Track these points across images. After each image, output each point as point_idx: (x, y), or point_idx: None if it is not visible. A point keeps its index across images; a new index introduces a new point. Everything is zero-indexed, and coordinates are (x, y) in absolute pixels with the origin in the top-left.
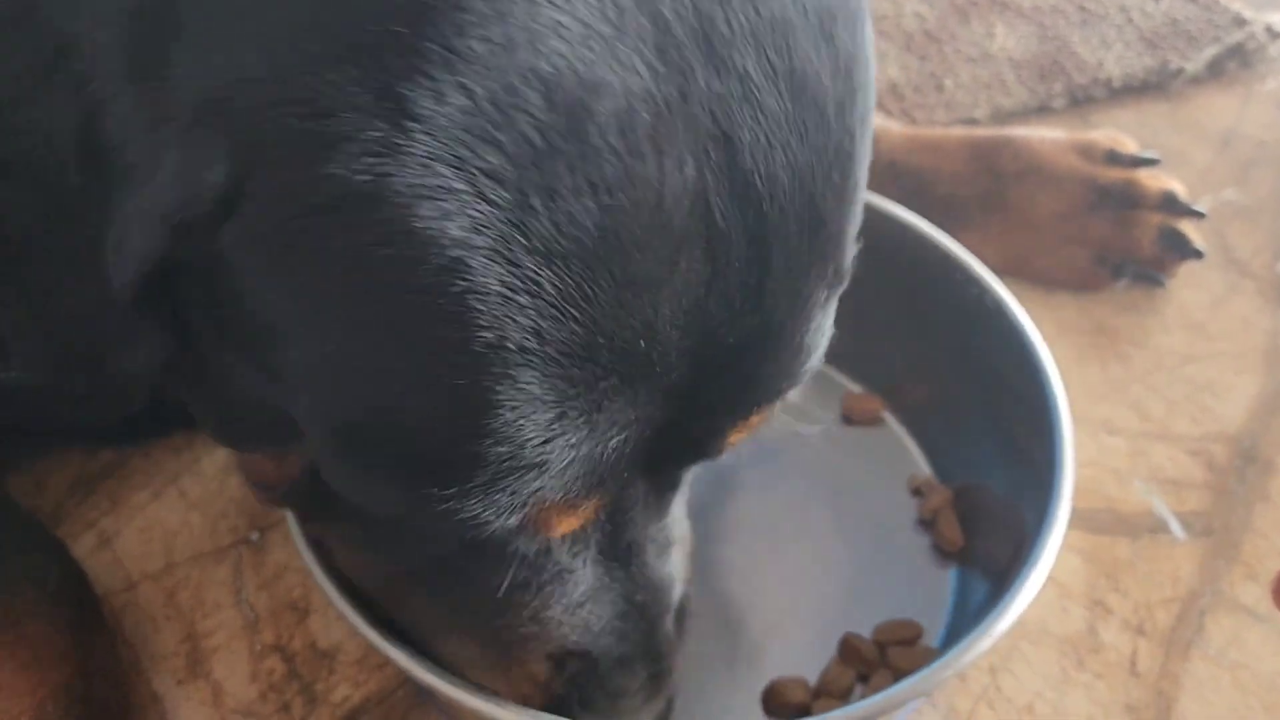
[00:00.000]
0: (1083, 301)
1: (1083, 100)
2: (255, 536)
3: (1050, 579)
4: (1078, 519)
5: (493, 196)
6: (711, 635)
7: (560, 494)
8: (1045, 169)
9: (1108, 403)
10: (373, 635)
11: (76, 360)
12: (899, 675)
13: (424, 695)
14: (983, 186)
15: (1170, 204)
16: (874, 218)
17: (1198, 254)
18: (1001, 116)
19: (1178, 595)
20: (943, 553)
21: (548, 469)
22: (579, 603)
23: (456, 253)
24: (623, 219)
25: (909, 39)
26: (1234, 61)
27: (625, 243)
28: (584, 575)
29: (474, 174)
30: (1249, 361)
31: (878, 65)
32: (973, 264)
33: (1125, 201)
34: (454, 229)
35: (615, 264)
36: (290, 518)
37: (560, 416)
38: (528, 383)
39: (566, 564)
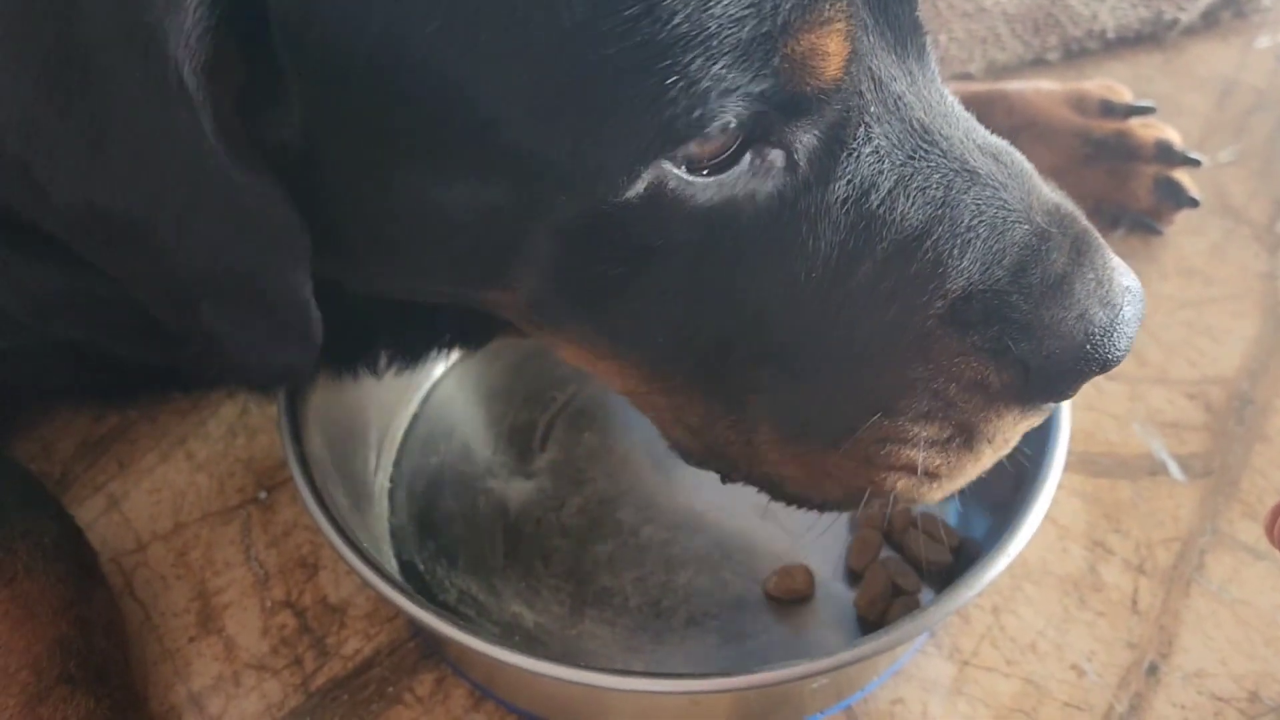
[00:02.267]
0: None
1: (1077, 53)
2: (263, 495)
3: (1051, 521)
4: (1078, 462)
5: None
6: (713, 546)
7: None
8: (1040, 123)
9: None
10: (383, 586)
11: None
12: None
13: (433, 647)
14: None
15: (1165, 154)
16: None
17: (1194, 202)
18: (996, 70)
19: (1178, 535)
20: None
21: None
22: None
23: None
24: None
25: None
26: (1228, 11)
27: None
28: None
29: None
30: (1245, 305)
31: None
32: None
33: (1120, 153)
34: None
35: None
36: (298, 476)
37: None
38: None
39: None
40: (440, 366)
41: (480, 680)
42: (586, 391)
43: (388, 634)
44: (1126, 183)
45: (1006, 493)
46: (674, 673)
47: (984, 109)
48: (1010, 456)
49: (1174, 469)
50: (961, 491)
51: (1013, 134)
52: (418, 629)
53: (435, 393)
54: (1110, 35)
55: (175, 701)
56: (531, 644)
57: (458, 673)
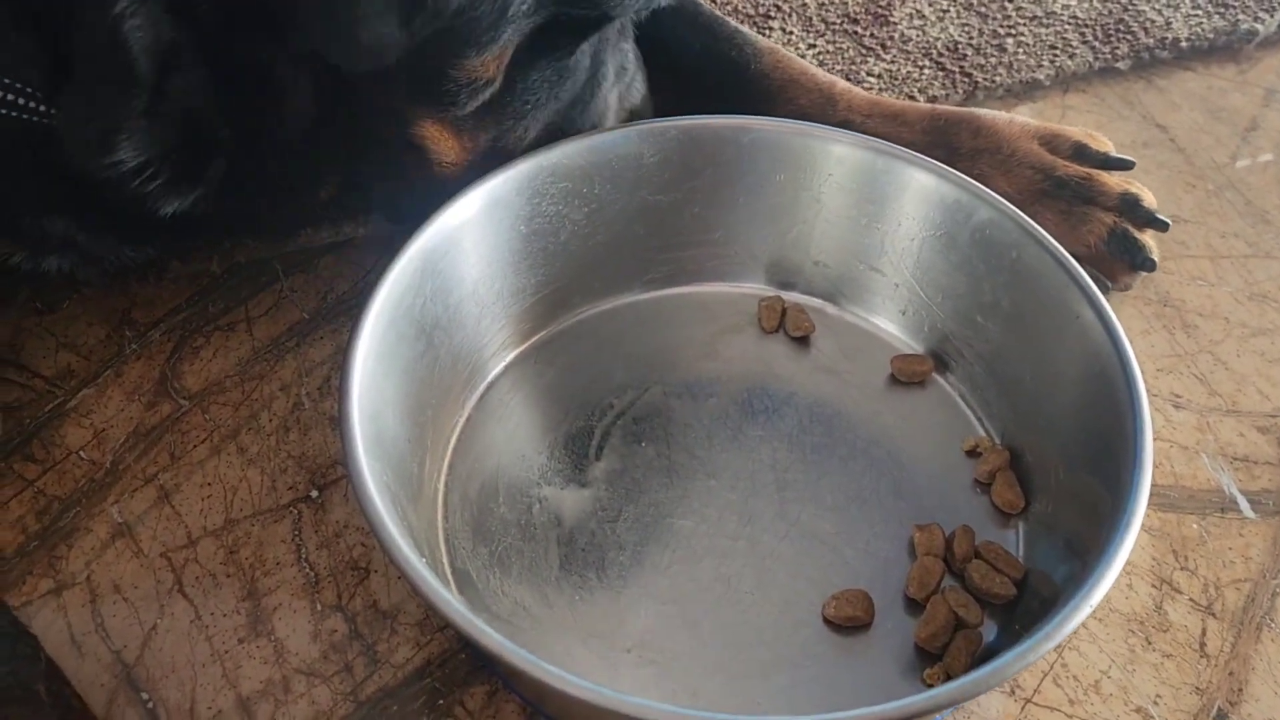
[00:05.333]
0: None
1: (1148, 62)
2: (315, 494)
3: None
4: None
5: None
6: (770, 567)
7: None
8: (1003, 150)
9: (1174, 375)
10: (434, 596)
11: None
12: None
13: (484, 659)
14: (936, 160)
15: (1130, 208)
16: (919, 178)
17: (1150, 264)
18: (1065, 77)
19: (1248, 575)
20: (1003, 514)
21: None
22: None
23: None
24: None
25: None
26: None
27: None
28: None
29: None
30: None
31: (938, 24)
32: (1029, 225)
33: (1079, 196)
34: None
35: None
36: (355, 475)
37: None
38: None
39: None
40: (496, 366)
41: (531, 698)
42: (645, 399)
43: (439, 644)
44: (1077, 227)
45: (1073, 522)
46: (736, 716)
47: (949, 129)
48: (1077, 483)
49: (1244, 505)
50: (1026, 520)
51: (972, 156)
52: (468, 642)
53: (490, 394)
54: (1183, 44)
55: (223, 706)
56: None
57: (508, 687)
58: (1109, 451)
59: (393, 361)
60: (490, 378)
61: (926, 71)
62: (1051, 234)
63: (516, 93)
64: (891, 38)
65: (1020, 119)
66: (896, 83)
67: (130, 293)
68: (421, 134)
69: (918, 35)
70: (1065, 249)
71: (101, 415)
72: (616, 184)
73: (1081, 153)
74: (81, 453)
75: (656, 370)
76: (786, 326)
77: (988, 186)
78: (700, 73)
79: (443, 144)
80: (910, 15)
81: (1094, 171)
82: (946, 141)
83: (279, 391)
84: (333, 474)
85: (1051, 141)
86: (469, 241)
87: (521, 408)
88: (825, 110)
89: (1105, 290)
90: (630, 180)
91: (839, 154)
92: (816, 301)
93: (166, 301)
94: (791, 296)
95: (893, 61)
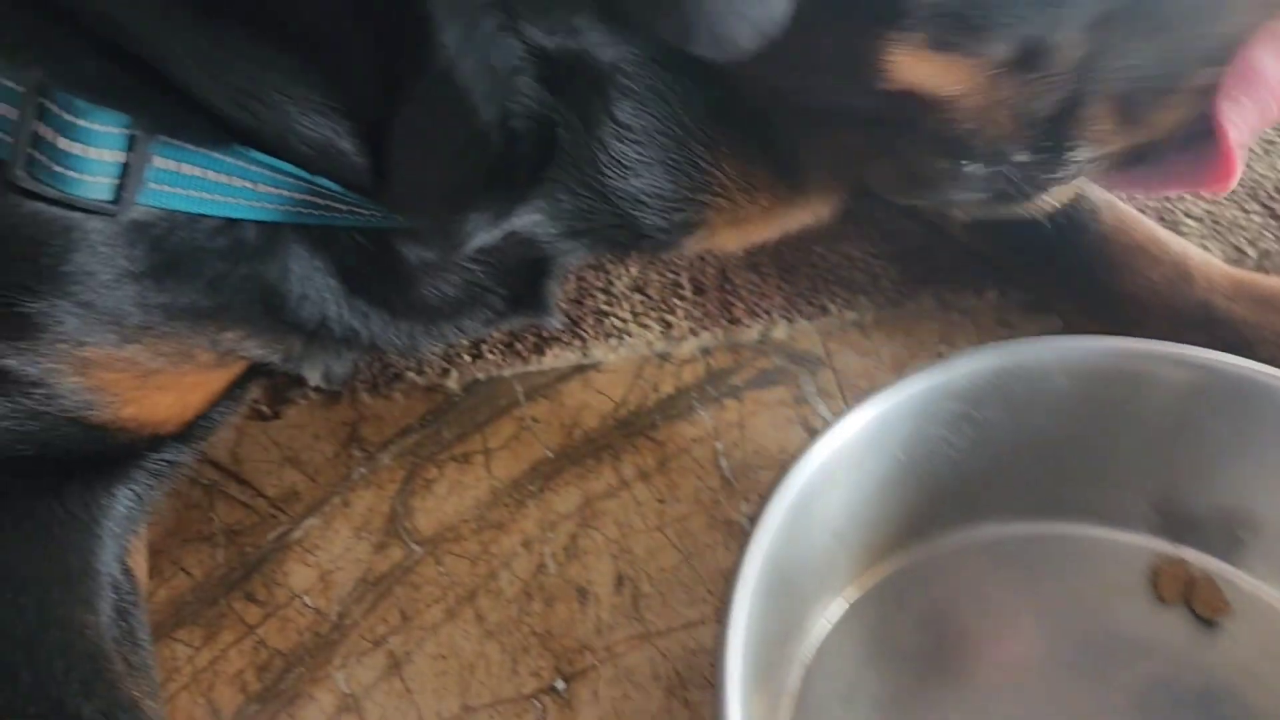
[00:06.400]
0: None
1: None
2: (560, 686)
3: None
4: None
5: None
6: None
7: None
8: None
9: None
10: None
11: None
12: None
13: None
14: None
15: None
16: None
17: None
18: None
19: None
20: None
21: None
22: None
23: None
24: None
25: None
26: None
27: None
28: None
29: None
30: None
31: (1264, 158)
32: None
33: None
34: None
35: None
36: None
37: None
38: None
39: None
40: (841, 604)
41: None
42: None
43: None
44: None
45: None
46: None
47: None
48: None
49: None
50: None
51: None
52: None
53: (830, 645)
54: None
55: None
56: None
57: None
58: None
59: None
60: (833, 622)
61: (1256, 219)
62: None
63: None
64: None
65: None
66: (1220, 229)
67: (358, 404)
68: (902, 75)
69: (1245, 172)
70: None
71: (328, 553)
72: (1011, 407)
73: None
74: (306, 598)
75: (1023, 630)
76: (1193, 603)
77: None
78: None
79: (937, 78)
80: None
81: None
82: None
83: (520, 547)
84: (581, 662)
85: None
86: (842, 472)
87: (868, 666)
88: (1179, 288)
89: None
90: (1025, 403)
91: None
92: (1228, 569)
93: (397, 419)
94: (1196, 558)
95: (1214, 203)
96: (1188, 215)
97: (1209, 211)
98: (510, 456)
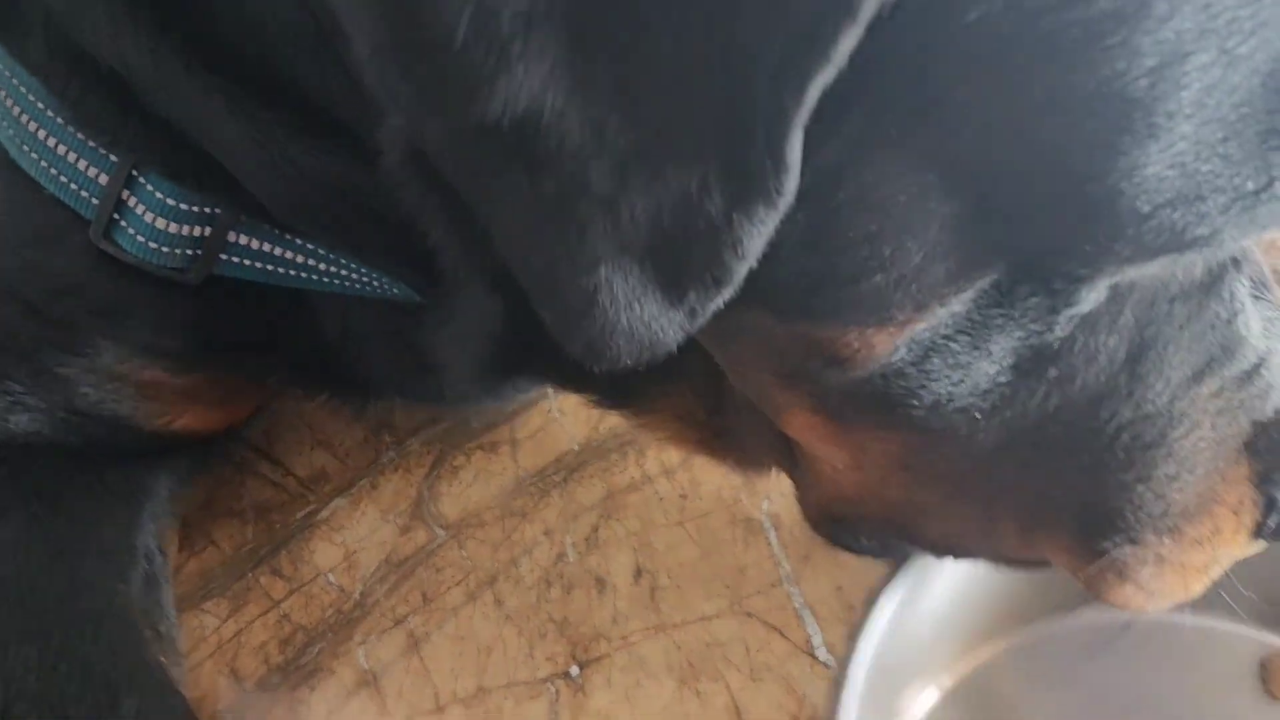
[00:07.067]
0: None
1: None
2: (575, 672)
3: None
4: None
5: None
6: None
7: None
8: None
9: None
10: None
11: None
12: None
13: None
14: None
15: None
16: None
17: None
18: None
19: None
20: None
21: None
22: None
23: None
24: None
25: None
26: None
27: None
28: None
29: None
30: None
31: None
32: None
33: None
34: None
35: None
36: None
37: None
38: None
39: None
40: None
41: None
42: None
43: None
44: None
45: None
46: None
47: None
48: None
49: None
50: None
51: None
52: None
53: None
54: None
55: None
56: None
57: None
58: None
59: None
60: (930, 705)
61: None
62: None
63: (923, 383)
64: None
65: None
66: None
67: None
68: (792, 424)
69: None
70: None
71: (353, 533)
72: None
73: None
74: (330, 576)
75: None
76: None
77: None
78: None
79: (820, 445)
80: None
81: None
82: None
83: (542, 536)
84: (596, 649)
85: None
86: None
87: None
88: None
89: None
90: None
91: None
92: None
93: (428, 408)
94: None
95: None
96: None
97: None
98: (536, 447)
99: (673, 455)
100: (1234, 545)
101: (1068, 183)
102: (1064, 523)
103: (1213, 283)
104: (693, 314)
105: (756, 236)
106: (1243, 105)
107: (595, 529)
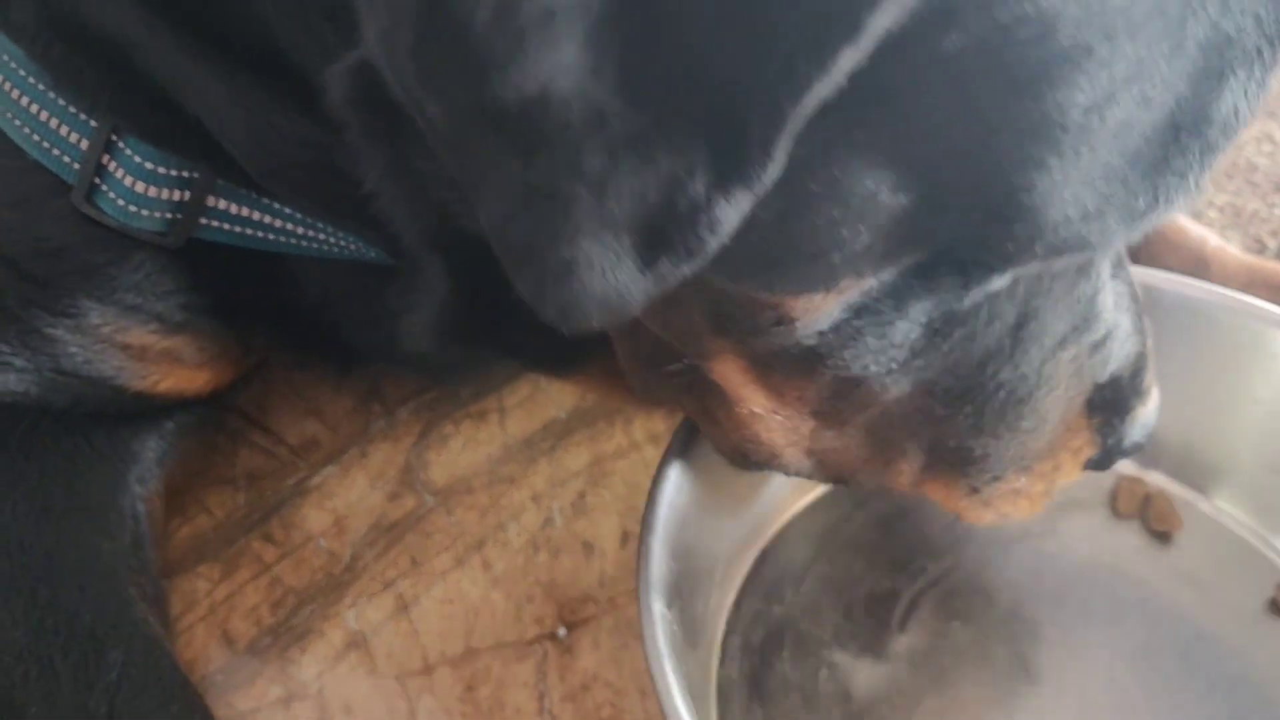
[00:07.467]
0: None
1: None
2: (562, 633)
3: None
4: None
5: None
6: None
7: None
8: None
9: None
10: None
11: None
12: None
13: None
14: None
15: None
16: None
17: None
18: None
19: None
20: None
21: None
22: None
23: None
24: None
25: None
26: None
27: None
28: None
29: None
30: None
31: None
32: None
33: None
34: None
35: None
36: (649, 615)
37: None
38: None
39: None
40: (800, 501)
41: None
42: (963, 569)
43: None
44: None
45: None
46: None
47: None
48: None
49: None
50: None
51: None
52: None
53: (789, 530)
54: None
55: None
56: None
57: None
58: None
59: (703, 488)
60: (794, 510)
61: (1278, 211)
62: None
63: (852, 337)
64: (1236, 165)
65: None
66: (1241, 220)
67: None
68: (721, 371)
69: (1267, 164)
70: None
71: (343, 499)
72: None
73: None
74: (321, 541)
75: (982, 536)
76: (1147, 516)
77: None
78: None
79: (745, 389)
80: (1258, 139)
81: None
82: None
83: (529, 501)
84: (583, 611)
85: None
86: None
87: (822, 552)
88: (1196, 274)
89: None
90: None
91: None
92: (1188, 492)
93: (417, 377)
94: (1155, 479)
95: (1237, 194)
96: (1210, 205)
97: (1230, 203)
98: (524, 415)
99: (659, 423)
100: (1069, 477)
101: (1003, 191)
102: (948, 465)
103: (1087, 263)
104: (661, 280)
105: (733, 217)
106: (1147, 139)
107: (582, 494)
